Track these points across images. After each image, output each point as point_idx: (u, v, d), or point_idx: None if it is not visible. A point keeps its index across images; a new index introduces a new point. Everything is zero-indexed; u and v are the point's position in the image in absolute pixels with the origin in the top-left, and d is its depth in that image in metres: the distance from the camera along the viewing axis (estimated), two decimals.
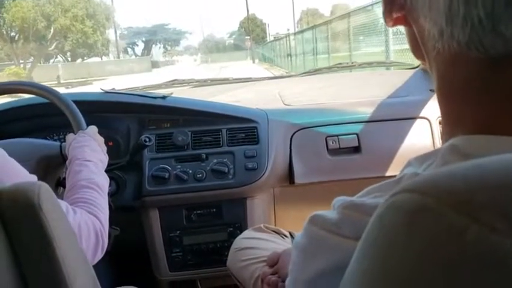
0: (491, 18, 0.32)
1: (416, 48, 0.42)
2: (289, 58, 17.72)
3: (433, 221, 0.23)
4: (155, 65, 36.79)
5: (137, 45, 47.41)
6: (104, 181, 0.89)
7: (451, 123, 0.40)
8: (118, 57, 35.21)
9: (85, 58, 32.89)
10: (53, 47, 28.16)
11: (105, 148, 1.02)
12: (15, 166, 0.71)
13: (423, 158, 0.39)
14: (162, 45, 47.98)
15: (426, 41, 0.39)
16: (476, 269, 0.21)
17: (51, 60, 32.23)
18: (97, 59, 33.18)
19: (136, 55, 44.61)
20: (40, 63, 30.00)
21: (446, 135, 0.40)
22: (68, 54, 31.99)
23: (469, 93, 0.37)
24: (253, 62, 30.77)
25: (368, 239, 0.28)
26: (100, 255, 0.78)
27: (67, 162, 0.93)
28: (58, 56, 32.03)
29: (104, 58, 34.80)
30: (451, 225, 0.22)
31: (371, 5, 7.06)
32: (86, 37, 28.06)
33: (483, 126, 0.36)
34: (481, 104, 0.36)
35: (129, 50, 46.63)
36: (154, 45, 46.93)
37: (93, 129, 1.04)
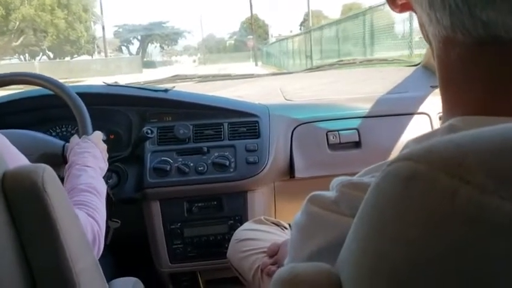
0: (467, 3, 0.32)
1: (422, 32, 0.43)
2: (307, 60, 14.08)
3: (426, 186, 0.24)
4: (151, 65, 33.66)
5: (132, 43, 44.20)
6: (102, 186, 0.90)
7: (450, 107, 0.41)
8: (106, 56, 30.36)
9: (74, 56, 29.29)
10: (19, 42, 23.91)
11: (106, 155, 1.03)
12: (18, 153, 0.71)
13: (421, 139, 0.40)
14: (159, 44, 44.99)
15: (423, 24, 0.41)
16: (468, 227, 0.22)
17: (38, 58, 28.65)
18: (87, 58, 29.79)
19: (130, 54, 41.36)
20: (25, 60, 26.52)
21: (445, 117, 0.41)
22: (57, 51, 28.91)
23: (463, 75, 0.38)
24: (256, 64, 27.01)
25: (365, 207, 0.29)
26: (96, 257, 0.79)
27: (67, 166, 0.94)
28: (45, 53, 28.87)
29: (96, 56, 31.47)
30: (443, 188, 0.23)
31: None
32: (58, 30, 23.95)
33: (478, 108, 0.36)
34: (474, 86, 0.37)
35: (124, 48, 43.53)
36: (150, 44, 44.14)
37: (97, 135, 1.05)
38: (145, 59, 39.98)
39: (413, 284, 0.24)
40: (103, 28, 29.34)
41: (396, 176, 0.26)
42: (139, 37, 42.49)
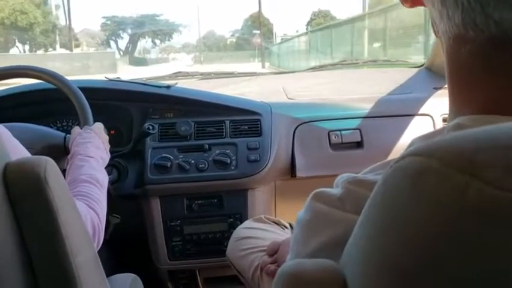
0: (479, 1, 0.32)
1: (433, 28, 0.42)
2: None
3: (437, 182, 0.23)
4: (141, 62, 30.18)
5: (121, 37, 39.20)
6: (104, 178, 0.90)
7: (458, 105, 0.40)
8: (71, 50, 24.24)
9: (49, 50, 24.24)
10: None
11: (108, 146, 1.03)
12: (20, 146, 0.71)
13: (427, 137, 0.39)
14: (150, 39, 40.86)
15: (434, 20, 0.40)
16: (479, 223, 0.21)
17: (11, 50, 24.17)
18: (63, 51, 24.26)
19: (119, 49, 37.53)
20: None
21: (453, 115, 0.41)
22: (28, 43, 24.22)
23: (473, 73, 0.37)
24: (263, 66, 22.38)
25: (372, 204, 0.28)
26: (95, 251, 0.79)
27: (69, 156, 0.93)
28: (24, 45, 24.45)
29: (77, 50, 26.58)
30: (454, 184, 0.23)
31: None
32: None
33: (488, 107, 0.36)
34: (485, 85, 0.37)
35: (112, 42, 38.64)
36: (142, 39, 40.12)
37: (99, 126, 1.04)
38: (137, 56, 37.20)
39: (422, 280, 0.23)
40: (69, 13, 22.97)
41: (405, 171, 0.25)
42: (129, 31, 38.57)
